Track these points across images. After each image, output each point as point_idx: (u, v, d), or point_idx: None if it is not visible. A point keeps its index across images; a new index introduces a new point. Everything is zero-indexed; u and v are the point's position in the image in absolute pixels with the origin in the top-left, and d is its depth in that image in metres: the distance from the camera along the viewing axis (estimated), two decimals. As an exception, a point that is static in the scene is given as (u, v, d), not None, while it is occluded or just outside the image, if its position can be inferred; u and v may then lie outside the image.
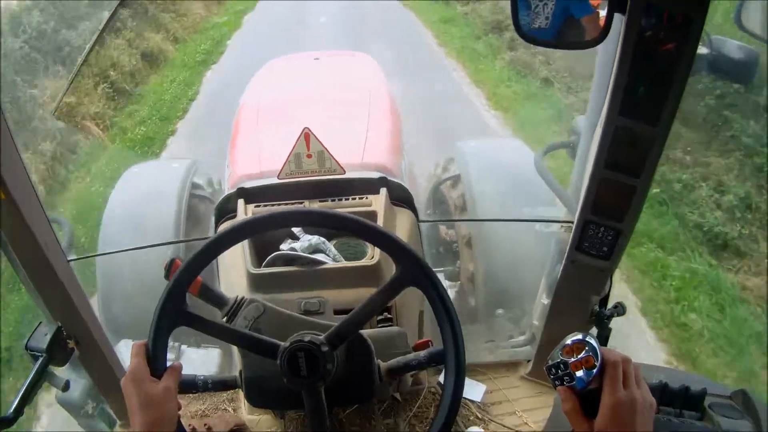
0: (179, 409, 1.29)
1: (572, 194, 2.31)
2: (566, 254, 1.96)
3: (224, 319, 1.53)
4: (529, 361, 2.54)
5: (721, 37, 1.84)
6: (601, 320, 2.08)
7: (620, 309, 2.10)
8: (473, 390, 2.46)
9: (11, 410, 1.83)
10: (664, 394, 1.35)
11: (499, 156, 3.95)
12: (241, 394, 2.44)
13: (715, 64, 1.84)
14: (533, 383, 2.49)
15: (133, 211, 3.46)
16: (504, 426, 2.34)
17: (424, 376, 2.43)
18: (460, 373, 1.36)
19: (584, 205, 1.78)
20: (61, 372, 2.14)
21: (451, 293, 3.30)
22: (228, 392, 2.47)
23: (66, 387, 2.09)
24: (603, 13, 1.47)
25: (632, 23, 1.42)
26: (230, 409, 2.42)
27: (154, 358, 1.28)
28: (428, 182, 4.08)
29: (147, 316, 3.13)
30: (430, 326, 2.43)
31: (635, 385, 1.11)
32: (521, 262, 3.18)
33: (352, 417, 2.26)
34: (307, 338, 1.35)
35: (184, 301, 1.34)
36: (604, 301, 2.08)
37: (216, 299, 1.53)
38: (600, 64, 2.17)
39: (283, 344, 1.35)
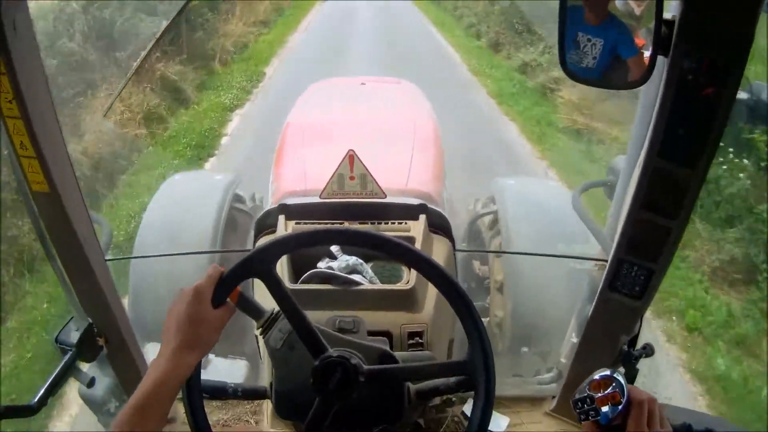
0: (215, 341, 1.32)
1: (608, 233, 2.30)
2: (599, 292, 1.94)
3: (259, 330, 1.54)
4: (554, 397, 2.50)
5: (762, 83, 1.82)
6: (629, 360, 2.06)
7: (649, 350, 2.07)
8: (496, 422, 2.44)
9: (35, 399, 1.87)
10: None
11: (537, 196, 3.96)
12: (264, 406, 2.45)
13: (755, 109, 1.83)
14: (557, 420, 2.45)
15: (172, 219, 3.52)
16: (527, 462, 2.31)
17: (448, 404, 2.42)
18: (489, 402, 1.35)
19: (619, 243, 1.77)
20: (87, 368, 2.18)
21: None
22: (251, 404, 2.48)
23: (91, 383, 2.12)
24: (647, 54, 1.48)
25: (674, 66, 1.42)
26: (252, 421, 2.43)
27: (222, 288, 1.32)
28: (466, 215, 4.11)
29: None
30: (458, 354, 2.42)
31: (659, 425, 1.11)
32: (551, 301, 3.16)
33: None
34: (353, 361, 1.36)
35: (275, 262, 1.39)
36: (633, 341, 2.06)
37: (253, 310, 1.54)
38: (642, 105, 2.17)
39: (330, 351, 1.37)
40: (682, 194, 1.60)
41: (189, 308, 1.26)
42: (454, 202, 3.98)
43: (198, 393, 1.37)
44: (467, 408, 2.43)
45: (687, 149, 1.52)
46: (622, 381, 1.14)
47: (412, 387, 1.54)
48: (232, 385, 1.52)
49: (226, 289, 1.34)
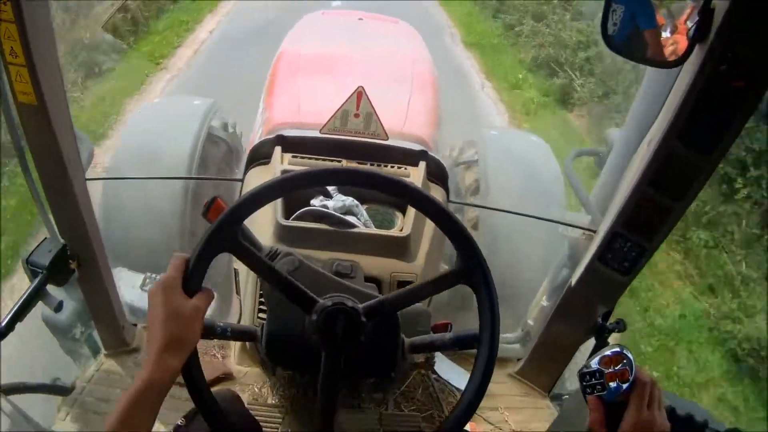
0: (200, 336, 1.22)
1: (596, 203, 2.30)
2: (587, 262, 1.94)
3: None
4: (519, 359, 2.53)
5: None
6: (602, 333, 2.08)
7: (621, 325, 2.10)
8: (459, 378, 2.45)
9: (3, 323, 1.81)
10: (671, 419, 1.36)
11: (518, 149, 3.93)
12: (232, 343, 2.43)
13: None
14: (520, 383, 2.47)
15: (148, 142, 3.40)
16: (485, 420, 2.34)
17: (416, 357, 2.43)
18: (491, 360, 1.34)
19: (618, 217, 1.77)
20: (55, 292, 2.08)
21: None
22: (219, 339, 2.45)
23: (59, 307, 2.04)
24: (665, 34, 1.47)
25: (710, 55, 1.40)
26: (219, 356, 2.41)
27: (192, 275, 1.22)
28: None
29: (147, 246, 3.08)
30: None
31: (657, 408, 1.13)
32: (524, 260, 3.17)
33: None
34: (349, 303, 1.31)
35: (239, 229, 1.29)
36: (606, 315, 2.08)
37: (251, 245, 1.50)
38: (648, 84, 2.15)
39: (323, 301, 1.31)
40: (693, 178, 1.60)
41: (164, 307, 1.16)
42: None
43: (199, 373, 1.27)
44: (437, 367, 2.45)
45: (707, 137, 1.52)
46: (632, 359, 1.15)
47: (407, 340, 1.52)
48: (221, 324, 1.44)
49: (194, 276, 1.24)
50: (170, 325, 1.16)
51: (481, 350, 1.34)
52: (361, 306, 1.32)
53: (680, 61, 1.43)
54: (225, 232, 1.27)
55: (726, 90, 1.43)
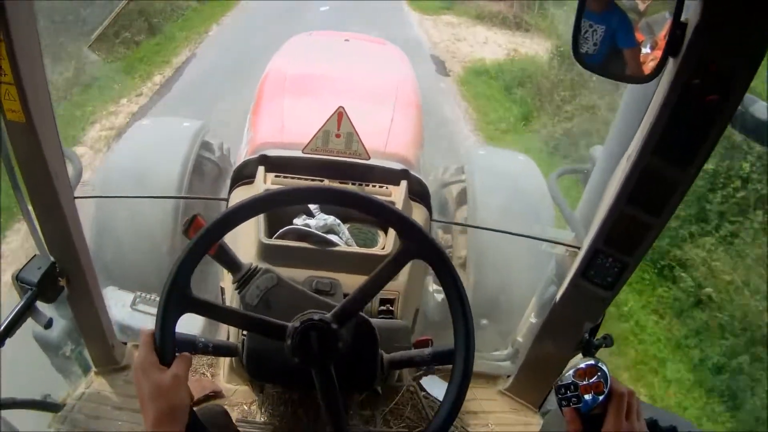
0: (192, 399, 1.25)
1: (581, 220, 2.32)
2: (570, 278, 1.96)
3: (235, 284, 1.51)
4: (509, 376, 2.54)
5: (752, 96, 1.84)
6: (589, 349, 2.10)
7: (609, 341, 2.11)
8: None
9: None
10: (654, 431, 1.37)
11: (505, 168, 3.96)
12: (221, 361, 2.43)
13: (741, 121, 1.86)
14: (510, 399, 2.49)
15: (138, 163, 3.42)
16: (475, 437, 2.35)
17: (404, 374, 2.43)
18: (466, 378, 1.35)
19: (598, 234, 1.79)
20: (45, 309, 2.09)
21: (440, 297, 3.30)
22: (208, 357, 2.46)
23: (49, 325, 2.04)
24: (645, 50, 1.50)
25: (683, 69, 1.42)
26: (208, 374, 2.42)
27: (162, 347, 1.24)
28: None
29: (137, 265, 3.09)
30: (423, 324, 2.43)
31: (636, 418, 1.14)
32: (514, 278, 3.19)
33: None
34: (316, 317, 1.32)
35: (188, 286, 1.29)
36: (594, 330, 2.10)
37: (231, 263, 1.50)
38: (628, 99, 2.19)
39: (292, 324, 1.32)
40: (670, 194, 1.61)
41: (146, 386, 1.19)
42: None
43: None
44: (425, 381, 2.46)
45: (682, 151, 1.53)
46: (607, 371, 1.16)
47: (386, 356, 1.53)
48: (203, 339, 1.45)
49: (164, 347, 1.25)
50: (156, 401, 1.18)
51: (456, 362, 1.36)
52: (329, 314, 1.34)
53: (652, 76, 1.45)
54: (176, 298, 1.27)
55: (700, 104, 1.45)
